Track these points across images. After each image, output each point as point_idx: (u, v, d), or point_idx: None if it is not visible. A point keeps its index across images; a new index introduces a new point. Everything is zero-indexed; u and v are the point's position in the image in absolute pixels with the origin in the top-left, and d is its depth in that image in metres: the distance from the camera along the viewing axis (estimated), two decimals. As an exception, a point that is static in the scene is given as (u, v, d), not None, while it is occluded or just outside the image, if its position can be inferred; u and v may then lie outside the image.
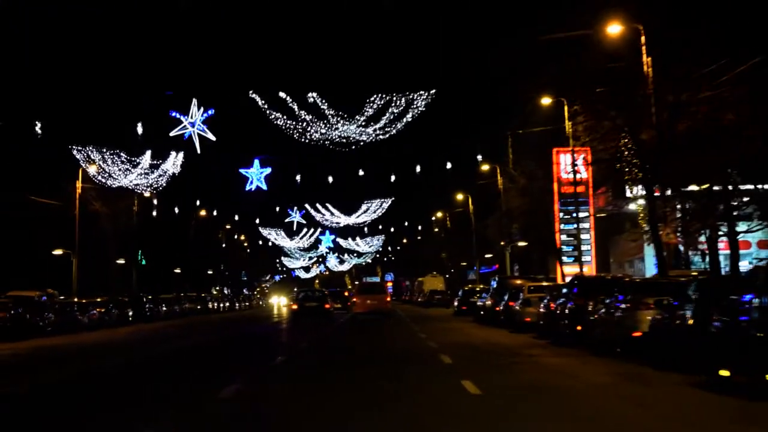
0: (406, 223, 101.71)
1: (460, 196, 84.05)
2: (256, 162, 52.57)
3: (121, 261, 75.32)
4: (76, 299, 53.25)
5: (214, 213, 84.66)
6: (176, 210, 72.51)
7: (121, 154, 49.84)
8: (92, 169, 54.96)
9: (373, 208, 78.12)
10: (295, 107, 39.78)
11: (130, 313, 54.03)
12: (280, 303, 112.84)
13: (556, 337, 25.91)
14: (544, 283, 37.20)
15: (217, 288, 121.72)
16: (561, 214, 54.05)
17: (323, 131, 38.86)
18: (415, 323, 42.38)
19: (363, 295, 50.83)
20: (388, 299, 52.38)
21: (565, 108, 42.93)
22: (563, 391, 14.62)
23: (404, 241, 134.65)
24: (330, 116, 39.05)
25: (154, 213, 66.18)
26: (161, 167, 49.82)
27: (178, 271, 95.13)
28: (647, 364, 17.46)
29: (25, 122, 48.91)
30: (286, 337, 35.70)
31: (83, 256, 60.43)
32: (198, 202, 75.42)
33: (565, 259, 53.48)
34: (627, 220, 50.89)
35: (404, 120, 40.53)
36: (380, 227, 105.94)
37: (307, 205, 78.59)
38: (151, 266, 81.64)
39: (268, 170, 52.71)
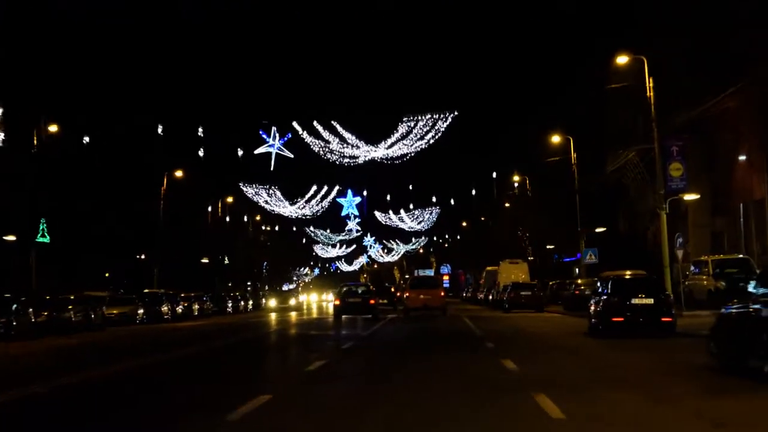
0: (473, 191, 70.98)
1: (555, 138, 54.56)
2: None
3: (11, 237, 46.71)
4: None
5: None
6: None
7: None
8: None
9: (417, 132, 46.96)
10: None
11: None
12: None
13: None
14: None
15: (250, 285, 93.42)
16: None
17: None
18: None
19: (416, 290, 47.14)
20: (443, 294, 48.01)
21: None
22: None
23: (464, 224, 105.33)
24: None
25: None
26: None
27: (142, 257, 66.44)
28: None
29: None
30: None
31: None
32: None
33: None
34: None
35: None
36: (433, 198, 75.50)
37: (296, 125, 46.92)
38: (72, 247, 52.66)
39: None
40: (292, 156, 49.74)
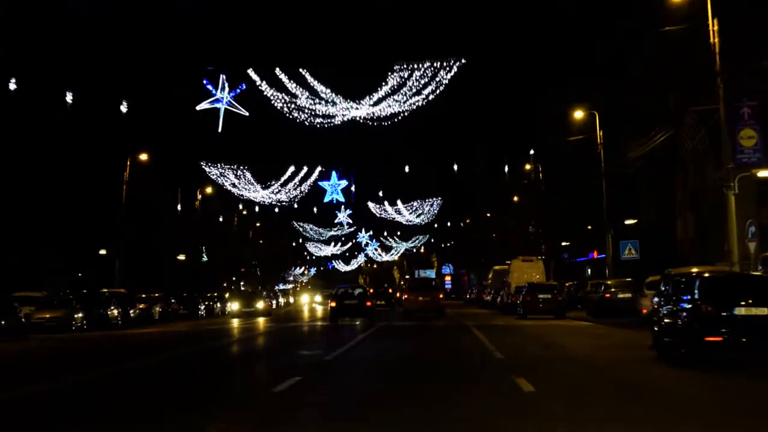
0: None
1: (578, 113, 46.76)
2: None
3: None
4: None
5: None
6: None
7: None
8: None
9: (411, 85, 37.76)
10: None
11: None
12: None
13: None
14: None
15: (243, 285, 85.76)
16: None
17: None
18: None
19: (414, 293, 48.41)
20: (441, 296, 48.68)
21: None
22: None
23: (467, 221, 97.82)
24: None
25: None
26: None
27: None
28: None
29: None
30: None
31: None
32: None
33: None
34: None
35: None
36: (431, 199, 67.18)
37: (251, 74, 37.57)
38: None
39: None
40: (246, 113, 40.62)
